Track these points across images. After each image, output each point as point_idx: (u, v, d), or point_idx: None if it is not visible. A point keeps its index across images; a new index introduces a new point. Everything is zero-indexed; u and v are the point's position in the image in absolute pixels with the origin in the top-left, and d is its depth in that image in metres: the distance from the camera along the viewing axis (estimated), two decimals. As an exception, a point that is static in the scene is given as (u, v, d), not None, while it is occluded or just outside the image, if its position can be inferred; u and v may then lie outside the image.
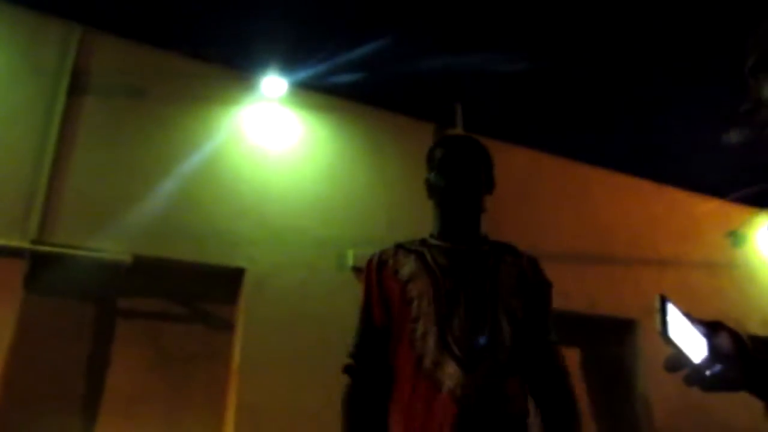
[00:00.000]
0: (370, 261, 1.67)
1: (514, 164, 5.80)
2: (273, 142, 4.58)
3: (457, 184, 1.61)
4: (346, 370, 1.61)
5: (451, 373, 1.41)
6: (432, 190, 1.69)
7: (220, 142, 4.35)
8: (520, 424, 1.46)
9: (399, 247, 1.67)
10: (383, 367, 1.56)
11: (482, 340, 1.45)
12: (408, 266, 1.58)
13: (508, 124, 5.45)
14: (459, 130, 4.98)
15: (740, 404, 6.06)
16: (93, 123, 3.97)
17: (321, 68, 4.57)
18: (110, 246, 3.75)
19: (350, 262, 4.27)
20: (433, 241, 1.64)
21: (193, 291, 4.11)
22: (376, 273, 1.62)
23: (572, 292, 5.44)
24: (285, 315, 4.06)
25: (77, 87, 3.94)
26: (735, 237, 7.00)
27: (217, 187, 4.22)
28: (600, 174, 6.44)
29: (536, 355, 1.57)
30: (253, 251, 4.17)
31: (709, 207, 7.13)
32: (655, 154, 6.15)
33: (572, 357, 5.79)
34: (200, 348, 4.00)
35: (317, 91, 4.79)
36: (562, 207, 5.98)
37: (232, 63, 4.50)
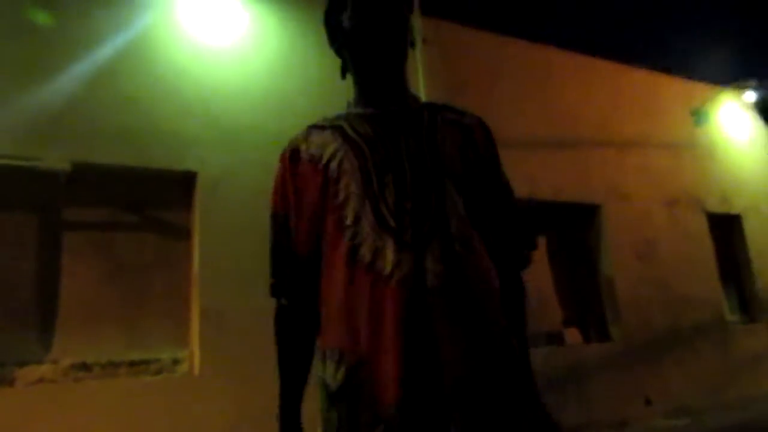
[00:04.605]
0: (282, 155, 1.34)
1: (476, 49, 5.54)
2: (218, 34, 4.21)
3: (380, 22, 1.27)
4: (275, 293, 1.34)
5: (394, 258, 1.14)
6: (343, 37, 1.32)
7: (159, 37, 3.98)
8: (491, 305, 1.20)
9: (311, 127, 1.34)
10: (311, 288, 1.28)
11: (428, 213, 1.19)
12: (326, 146, 1.28)
13: (469, 8, 5.13)
14: (417, 16, 4.65)
15: (695, 277, 6.29)
16: (8, 18, 3.56)
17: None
18: (46, 154, 3.47)
19: (308, 158, 4.04)
20: (353, 110, 1.33)
21: (143, 198, 3.89)
22: (289, 165, 1.31)
23: (538, 179, 5.38)
24: (243, 217, 3.90)
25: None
26: (698, 115, 6.96)
27: (158, 85, 3.89)
28: (563, 56, 6.23)
29: (497, 234, 1.32)
30: (203, 153, 3.93)
31: (672, 86, 7.04)
32: (618, 34, 5.94)
33: (539, 244, 5.83)
34: (156, 256, 3.84)
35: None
36: (525, 92, 5.80)
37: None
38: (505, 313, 1.26)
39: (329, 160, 1.26)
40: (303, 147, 1.31)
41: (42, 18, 3.61)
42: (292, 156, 1.32)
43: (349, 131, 1.29)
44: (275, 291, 1.34)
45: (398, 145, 1.25)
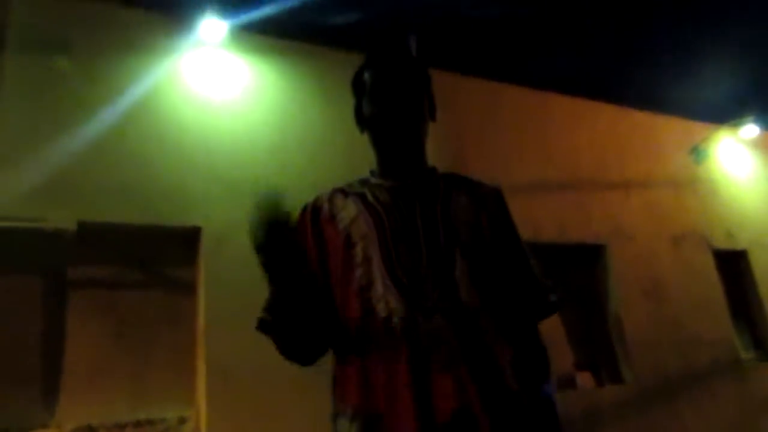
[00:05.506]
0: (303, 209, 1.46)
1: (473, 97, 5.62)
2: (218, 90, 4.30)
3: (395, 110, 1.38)
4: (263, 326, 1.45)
5: (407, 320, 1.22)
6: (365, 121, 1.46)
7: (161, 95, 4.06)
8: (499, 370, 1.24)
9: (336, 191, 1.47)
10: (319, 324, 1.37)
11: (438, 280, 1.26)
12: (347, 210, 1.39)
13: (464, 56, 5.24)
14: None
15: (705, 315, 6.22)
16: (15, 81, 3.64)
17: (263, 8, 4.27)
18: (52, 214, 3.49)
19: (311, 210, 4.08)
20: (374, 180, 1.45)
21: (147, 255, 3.89)
22: (311, 221, 1.42)
23: (541, 222, 5.39)
24: (248, 272, 3.84)
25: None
26: (697, 153, 7.02)
27: (160, 143, 3.95)
28: (561, 100, 6.32)
29: (516, 293, 1.39)
30: (207, 208, 3.95)
31: (671, 125, 7.11)
32: (614, 76, 6.04)
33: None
34: (161, 313, 3.82)
35: (260, 33, 4.50)
36: (525, 137, 5.87)
37: (163, 7, 4.16)
38: (527, 369, 1.34)
39: (349, 224, 1.36)
40: (326, 206, 1.42)
41: (50, 76, 3.70)
42: (314, 211, 1.44)
43: (370, 198, 1.39)
44: (265, 326, 1.44)
45: (414, 214, 1.34)
